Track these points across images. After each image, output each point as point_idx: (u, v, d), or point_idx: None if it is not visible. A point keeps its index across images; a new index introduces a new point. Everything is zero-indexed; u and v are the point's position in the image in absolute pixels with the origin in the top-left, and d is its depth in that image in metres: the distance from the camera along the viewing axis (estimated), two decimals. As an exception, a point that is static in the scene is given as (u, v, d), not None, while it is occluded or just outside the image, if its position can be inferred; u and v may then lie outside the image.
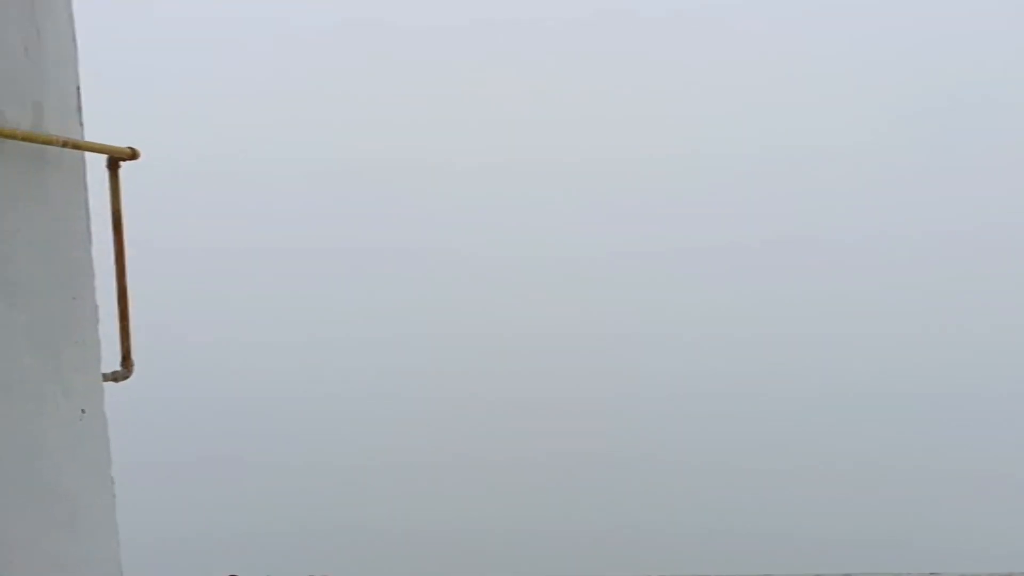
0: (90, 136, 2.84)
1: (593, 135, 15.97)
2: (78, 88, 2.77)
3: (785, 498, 12.35)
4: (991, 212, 13.84)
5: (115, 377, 2.96)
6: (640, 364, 14.98)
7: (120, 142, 3.03)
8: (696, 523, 12.12)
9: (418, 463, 13.41)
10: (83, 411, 2.61)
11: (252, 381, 13.73)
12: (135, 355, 3.07)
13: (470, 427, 14.17)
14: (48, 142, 2.53)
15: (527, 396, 14.64)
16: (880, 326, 14.26)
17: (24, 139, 2.44)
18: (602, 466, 13.53)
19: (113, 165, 2.99)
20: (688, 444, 13.45)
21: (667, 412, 14.20)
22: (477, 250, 15.98)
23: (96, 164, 2.95)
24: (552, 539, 12.04)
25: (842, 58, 15.31)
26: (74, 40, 2.79)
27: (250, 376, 13.82)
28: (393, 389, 14.68)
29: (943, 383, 13.14)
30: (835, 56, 15.34)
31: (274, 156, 15.86)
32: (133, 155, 2.98)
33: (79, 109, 2.77)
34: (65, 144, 2.59)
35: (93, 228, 2.83)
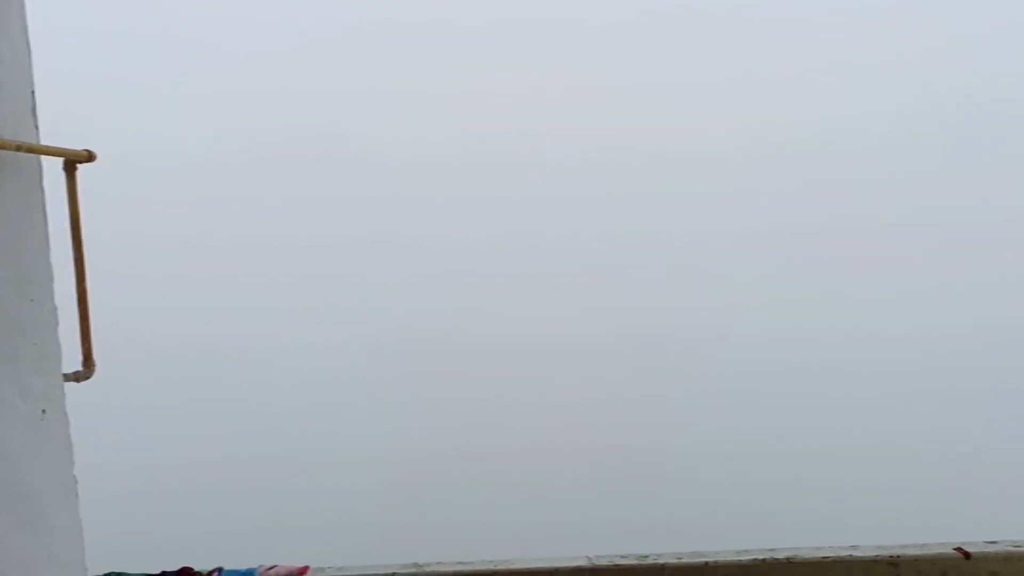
0: (46, 139, 2.85)
1: (612, 130, 16.02)
2: (32, 92, 2.77)
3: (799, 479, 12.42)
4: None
5: (76, 377, 2.98)
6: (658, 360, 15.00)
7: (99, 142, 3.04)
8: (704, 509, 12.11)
9: (401, 460, 13.33)
10: (43, 411, 2.64)
11: (218, 380, 13.66)
12: (98, 355, 3.09)
13: (469, 425, 14.10)
14: (2, 146, 2.54)
15: (527, 394, 14.60)
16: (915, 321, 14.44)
17: (-22, 144, 2.46)
18: (603, 460, 13.52)
19: (70, 168, 3.00)
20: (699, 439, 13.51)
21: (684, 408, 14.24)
22: (483, 247, 15.93)
23: (54, 166, 2.96)
24: (550, 530, 11.93)
25: (868, 53, 15.48)
26: (27, 42, 2.79)
27: (216, 375, 13.74)
28: (378, 387, 14.57)
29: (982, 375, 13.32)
30: (859, 51, 15.53)
31: (252, 152, 15.70)
32: (89, 157, 2.99)
33: (34, 112, 2.78)
34: (19, 148, 2.60)
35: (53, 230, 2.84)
